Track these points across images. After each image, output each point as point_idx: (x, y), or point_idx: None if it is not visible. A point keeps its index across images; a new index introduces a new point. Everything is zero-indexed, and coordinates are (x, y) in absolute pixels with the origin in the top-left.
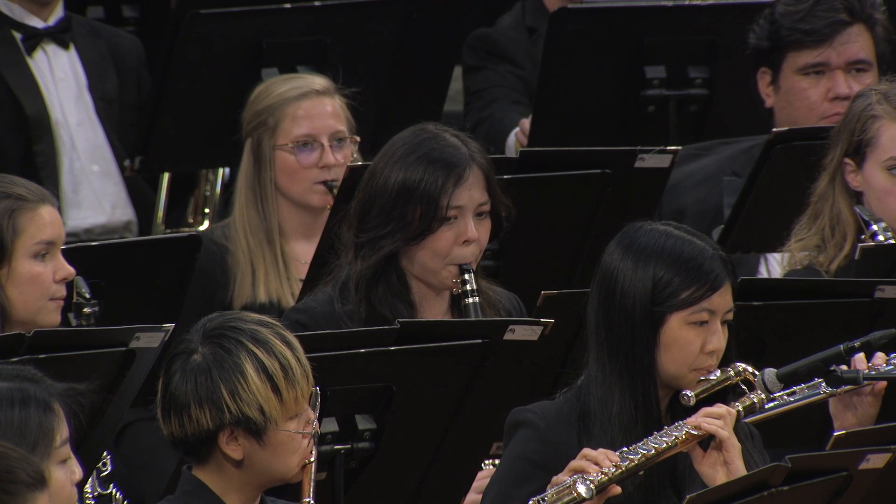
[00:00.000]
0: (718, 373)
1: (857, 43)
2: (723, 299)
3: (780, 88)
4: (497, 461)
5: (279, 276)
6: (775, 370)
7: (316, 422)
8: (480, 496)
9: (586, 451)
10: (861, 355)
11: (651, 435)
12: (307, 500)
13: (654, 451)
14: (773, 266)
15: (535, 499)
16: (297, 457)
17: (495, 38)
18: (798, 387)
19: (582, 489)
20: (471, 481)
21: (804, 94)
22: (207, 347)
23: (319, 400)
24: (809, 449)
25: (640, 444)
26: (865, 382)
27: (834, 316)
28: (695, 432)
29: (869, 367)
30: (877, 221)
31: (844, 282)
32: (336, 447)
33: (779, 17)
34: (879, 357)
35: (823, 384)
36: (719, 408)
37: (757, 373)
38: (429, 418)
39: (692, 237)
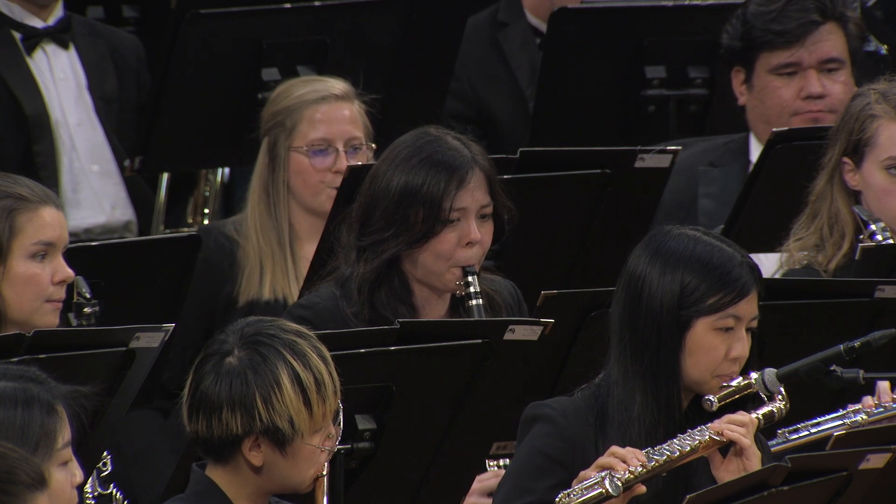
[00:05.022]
0: (739, 379)
1: (829, 41)
2: (749, 306)
3: (753, 87)
4: (499, 462)
5: (286, 276)
6: (775, 370)
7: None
8: (479, 499)
9: (615, 448)
10: (886, 385)
11: (673, 438)
12: None
13: (678, 453)
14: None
15: (563, 493)
16: (314, 470)
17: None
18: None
19: (610, 486)
20: (471, 481)
21: (776, 94)
22: (244, 351)
23: (342, 416)
24: (809, 449)
25: (664, 445)
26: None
27: (834, 316)
28: (717, 438)
29: (894, 399)
30: (875, 221)
31: (844, 282)
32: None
33: (751, 17)
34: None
35: (850, 415)
36: (742, 415)
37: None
38: (429, 418)
39: (721, 243)
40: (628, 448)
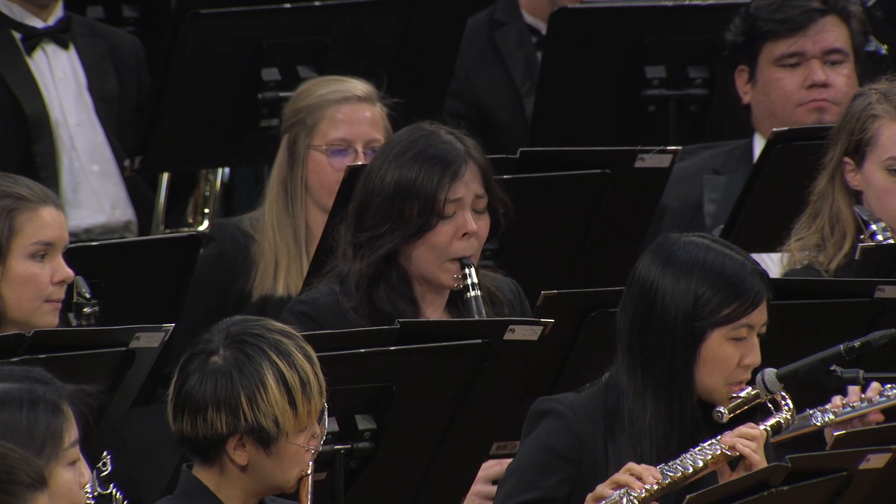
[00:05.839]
0: (749, 390)
1: (833, 33)
2: (761, 314)
3: (758, 82)
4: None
5: (301, 273)
6: (775, 370)
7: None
8: (484, 486)
9: (631, 465)
10: (856, 388)
11: (686, 451)
12: None
13: (691, 469)
14: (771, 266)
15: None
16: (298, 469)
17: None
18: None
19: None
20: (471, 481)
21: (781, 84)
22: (229, 351)
23: (327, 416)
24: (809, 449)
25: (677, 460)
26: (865, 382)
27: (834, 316)
28: (728, 452)
29: (861, 399)
30: (876, 221)
31: (844, 282)
32: (336, 447)
33: (754, 10)
34: (874, 388)
35: (818, 415)
36: (753, 429)
37: (786, 395)
38: (429, 418)
39: (731, 251)
40: (644, 465)
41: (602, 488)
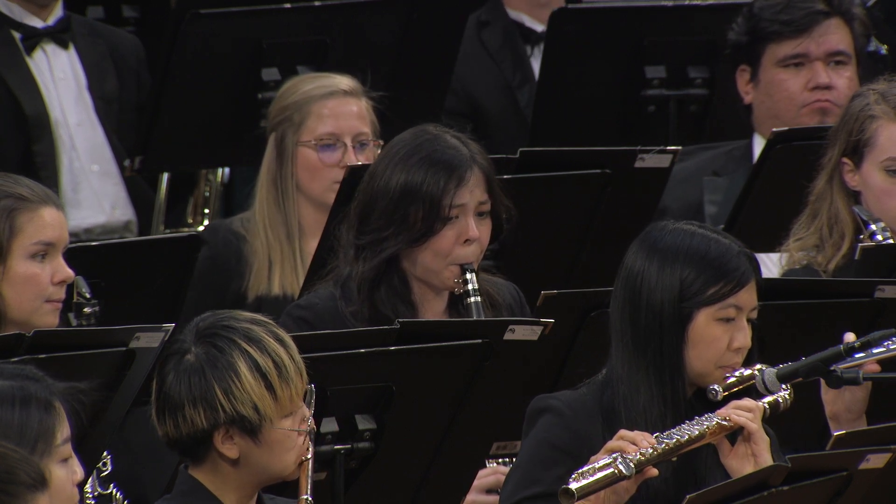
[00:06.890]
0: (743, 370)
1: (836, 35)
2: (749, 296)
3: (760, 83)
4: (499, 461)
5: (295, 271)
6: (775, 370)
7: (312, 419)
8: (478, 496)
9: (623, 432)
10: (850, 337)
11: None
12: (305, 496)
13: (687, 437)
14: (771, 266)
15: (575, 473)
16: (294, 454)
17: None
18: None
19: (623, 467)
20: (471, 481)
21: (784, 86)
22: (200, 347)
23: (314, 397)
24: (809, 449)
25: (673, 430)
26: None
27: (834, 316)
28: (725, 423)
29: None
30: (875, 221)
31: (844, 282)
32: (336, 447)
33: (758, 10)
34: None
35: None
36: (749, 401)
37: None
38: (429, 418)
39: (717, 235)
40: (637, 431)
41: (596, 457)
